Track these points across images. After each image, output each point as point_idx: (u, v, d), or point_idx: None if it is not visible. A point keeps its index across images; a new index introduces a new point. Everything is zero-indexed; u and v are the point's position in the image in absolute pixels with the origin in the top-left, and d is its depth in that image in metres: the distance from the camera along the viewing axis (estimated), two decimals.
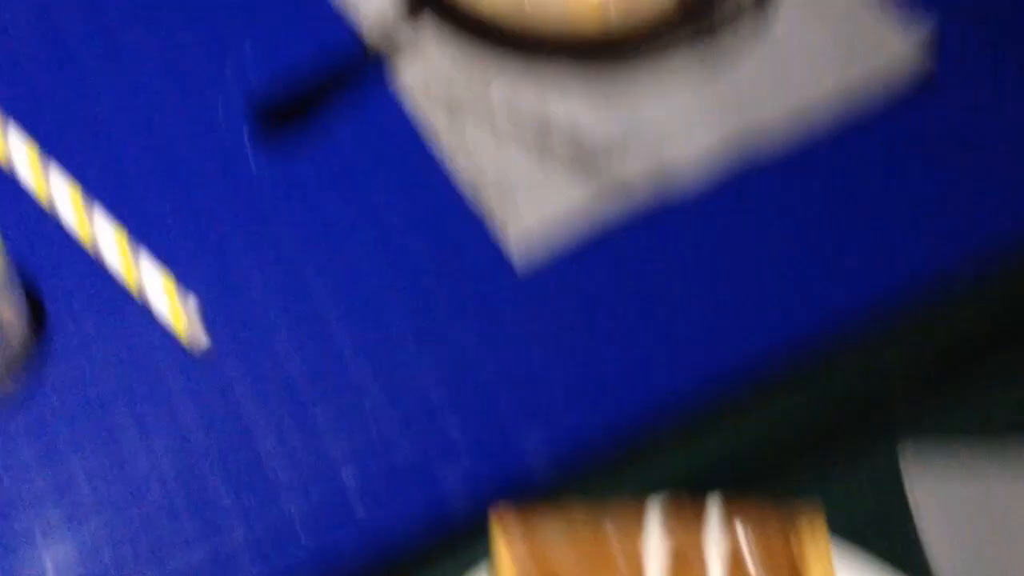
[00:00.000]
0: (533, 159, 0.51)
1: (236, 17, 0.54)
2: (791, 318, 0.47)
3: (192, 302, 0.46)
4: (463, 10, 0.54)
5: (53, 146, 0.50)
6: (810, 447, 0.45)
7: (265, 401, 0.44)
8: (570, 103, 0.53)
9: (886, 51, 0.56)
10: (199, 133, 0.51)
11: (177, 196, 0.49)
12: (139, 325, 0.46)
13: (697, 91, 0.54)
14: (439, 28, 0.54)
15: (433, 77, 0.53)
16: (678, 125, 0.52)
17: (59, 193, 0.49)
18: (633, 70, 0.54)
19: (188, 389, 0.44)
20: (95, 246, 0.48)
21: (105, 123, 0.51)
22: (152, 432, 0.43)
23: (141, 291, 0.46)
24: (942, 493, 0.43)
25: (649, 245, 0.48)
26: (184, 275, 0.47)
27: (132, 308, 0.47)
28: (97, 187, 0.49)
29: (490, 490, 0.43)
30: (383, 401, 0.45)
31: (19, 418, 0.43)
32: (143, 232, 0.48)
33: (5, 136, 0.49)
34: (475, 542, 0.41)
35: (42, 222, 0.49)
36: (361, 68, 0.53)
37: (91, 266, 0.47)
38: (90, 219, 0.48)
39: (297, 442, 0.44)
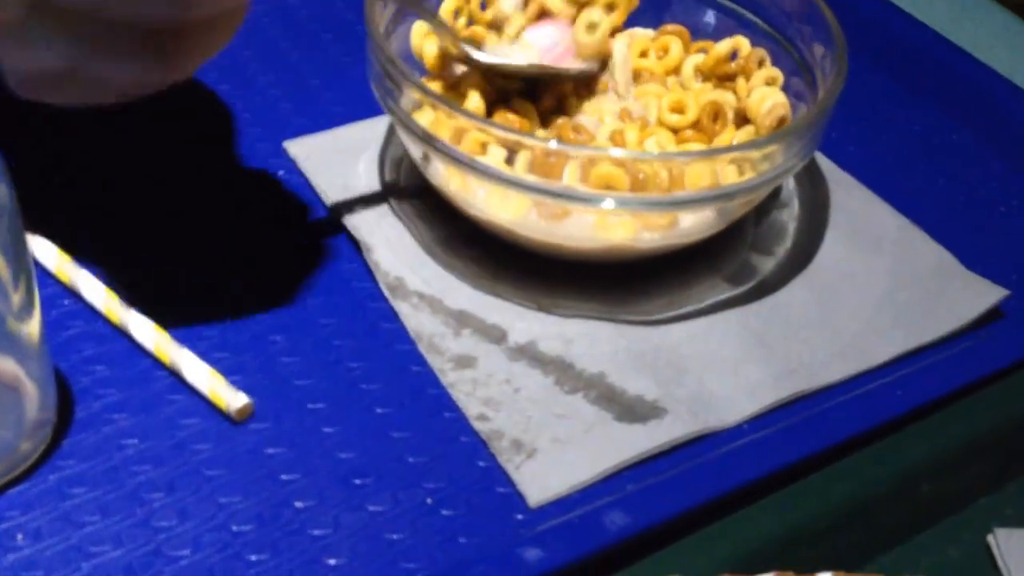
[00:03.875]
0: (557, 417, 0.44)
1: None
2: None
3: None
4: (475, 224, 0.49)
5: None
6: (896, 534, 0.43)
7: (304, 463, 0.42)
8: (599, 351, 0.47)
9: (947, 284, 0.51)
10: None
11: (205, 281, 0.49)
12: (165, 390, 0.44)
13: (737, 325, 0.48)
14: (454, 264, 0.50)
15: (438, 331, 0.47)
16: (719, 365, 0.46)
17: (85, 285, 0.47)
18: (666, 303, 0.49)
19: (220, 454, 0.42)
20: (125, 328, 0.45)
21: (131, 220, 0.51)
22: (181, 493, 0.41)
23: (173, 363, 0.44)
24: None
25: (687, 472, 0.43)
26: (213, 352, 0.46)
27: (158, 374, 0.45)
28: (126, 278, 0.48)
29: None
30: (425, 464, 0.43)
31: (39, 485, 0.41)
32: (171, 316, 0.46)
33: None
34: None
35: (62, 295, 0.47)
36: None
37: (115, 336, 0.46)
38: (122, 314, 0.46)
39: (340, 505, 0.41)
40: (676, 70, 0.54)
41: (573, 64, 0.52)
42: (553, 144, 0.44)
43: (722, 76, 0.53)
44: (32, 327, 0.39)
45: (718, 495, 0.40)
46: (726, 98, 0.52)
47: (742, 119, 0.52)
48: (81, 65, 0.38)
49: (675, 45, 0.54)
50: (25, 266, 0.38)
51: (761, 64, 0.53)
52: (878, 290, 0.50)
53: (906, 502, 0.43)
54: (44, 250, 0.47)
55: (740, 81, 0.53)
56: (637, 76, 0.54)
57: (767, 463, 0.41)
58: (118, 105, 0.41)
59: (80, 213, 0.51)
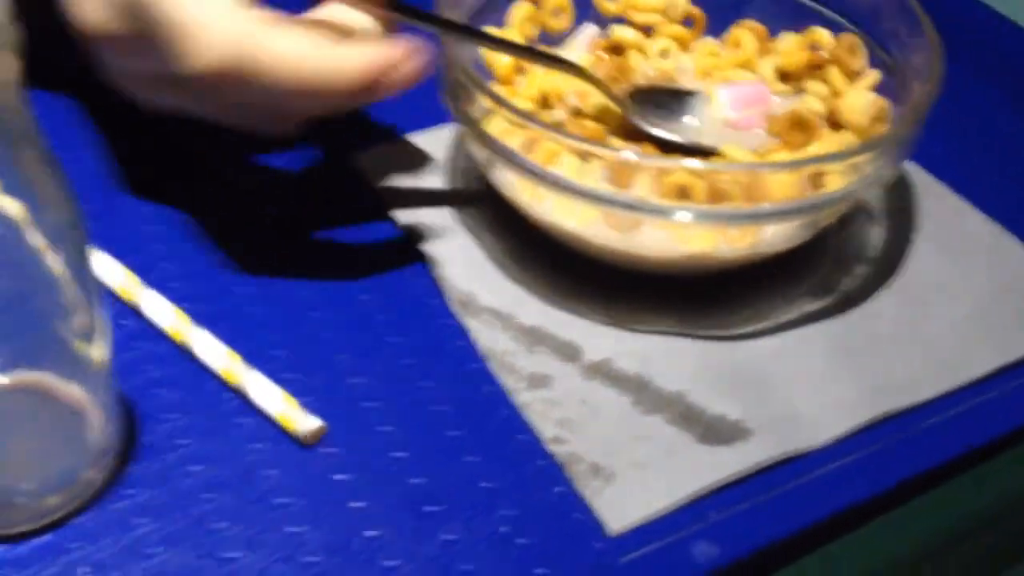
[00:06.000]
0: (636, 440, 0.42)
1: None
2: None
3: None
4: (546, 235, 0.48)
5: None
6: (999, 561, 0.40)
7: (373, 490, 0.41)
8: (678, 369, 0.45)
9: None
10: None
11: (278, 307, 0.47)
12: (231, 413, 0.43)
13: (822, 340, 0.46)
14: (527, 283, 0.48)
15: (510, 349, 0.45)
16: (805, 382, 0.44)
17: (150, 304, 0.46)
18: (746, 317, 0.47)
19: (288, 480, 0.41)
20: (190, 349, 0.44)
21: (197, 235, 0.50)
22: (249, 522, 0.40)
23: (242, 385, 0.43)
24: None
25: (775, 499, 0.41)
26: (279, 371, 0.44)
27: (223, 396, 0.43)
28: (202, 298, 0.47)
29: None
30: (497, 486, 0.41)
31: (103, 515, 0.39)
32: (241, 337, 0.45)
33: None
34: None
35: (124, 314, 0.46)
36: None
37: (179, 357, 0.44)
38: (188, 334, 0.45)
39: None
40: (746, 64, 0.52)
41: (759, 133, 0.50)
42: (625, 155, 0.42)
43: (811, 65, 0.51)
44: (99, 351, 0.38)
45: (812, 523, 0.38)
46: (810, 104, 0.50)
47: (834, 122, 0.49)
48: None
49: (747, 38, 0.52)
50: (92, 287, 0.37)
51: (852, 52, 0.50)
52: (971, 302, 0.48)
53: (1011, 526, 0.40)
54: (108, 268, 0.46)
55: (832, 71, 0.50)
56: (708, 76, 0.52)
57: (860, 489, 0.39)
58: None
59: (146, 229, 0.50)
